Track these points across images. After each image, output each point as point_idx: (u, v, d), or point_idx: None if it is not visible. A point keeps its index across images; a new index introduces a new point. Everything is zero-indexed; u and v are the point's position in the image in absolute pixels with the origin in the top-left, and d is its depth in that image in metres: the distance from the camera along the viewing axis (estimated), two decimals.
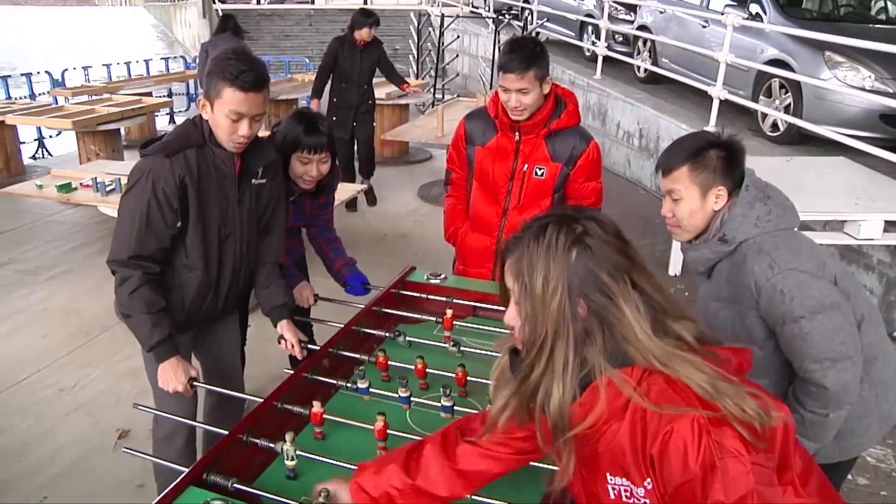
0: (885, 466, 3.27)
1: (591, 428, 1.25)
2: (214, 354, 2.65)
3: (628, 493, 1.26)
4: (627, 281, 1.23)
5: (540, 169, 2.83)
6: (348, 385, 2.10)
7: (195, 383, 2.22)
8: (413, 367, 2.15)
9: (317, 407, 1.89)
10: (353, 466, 1.70)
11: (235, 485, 1.66)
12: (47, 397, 3.69)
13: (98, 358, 4.05)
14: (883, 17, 7.16)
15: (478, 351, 2.32)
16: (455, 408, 1.97)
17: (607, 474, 1.29)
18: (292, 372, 2.12)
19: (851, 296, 1.92)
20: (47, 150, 9.36)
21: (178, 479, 1.62)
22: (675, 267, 5.32)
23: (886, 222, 4.10)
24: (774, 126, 6.26)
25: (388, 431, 1.82)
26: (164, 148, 2.17)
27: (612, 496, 1.29)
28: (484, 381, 2.09)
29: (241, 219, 2.35)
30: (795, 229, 1.98)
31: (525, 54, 2.62)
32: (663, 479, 1.19)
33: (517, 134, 2.81)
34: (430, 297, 2.72)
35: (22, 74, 10.39)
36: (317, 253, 3.09)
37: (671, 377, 1.20)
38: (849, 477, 3.17)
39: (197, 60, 9.13)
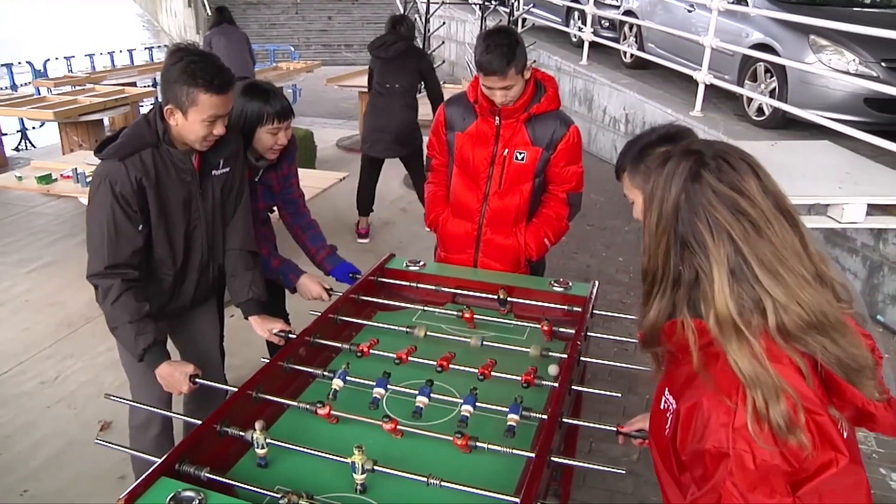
0: (865, 448, 3.29)
1: (669, 352, 1.31)
2: (192, 341, 2.63)
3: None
4: (726, 239, 1.19)
5: (520, 153, 2.82)
6: (325, 374, 2.09)
7: (197, 380, 2.19)
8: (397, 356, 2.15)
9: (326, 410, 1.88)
10: (325, 454, 1.71)
11: (208, 474, 1.64)
12: (29, 390, 3.66)
13: (81, 350, 4.02)
14: (869, 0, 7.14)
15: (455, 338, 2.30)
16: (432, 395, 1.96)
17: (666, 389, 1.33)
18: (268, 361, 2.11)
19: None
20: (30, 142, 9.27)
21: (150, 471, 1.60)
22: None
23: (869, 206, 4.10)
24: (760, 110, 6.26)
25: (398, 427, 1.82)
26: (117, 151, 2.13)
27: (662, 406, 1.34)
28: (462, 368, 2.10)
29: (205, 211, 2.34)
30: None
31: (502, 52, 2.60)
32: (680, 435, 1.23)
33: (497, 118, 2.80)
34: (409, 284, 2.70)
35: (3, 65, 10.26)
36: (294, 240, 3.05)
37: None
38: None
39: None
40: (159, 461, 1.64)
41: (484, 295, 2.59)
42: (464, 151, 2.91)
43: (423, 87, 5.64)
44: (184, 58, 2.08)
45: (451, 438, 1.75)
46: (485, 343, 2.26)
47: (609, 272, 5.16)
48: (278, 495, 1.56)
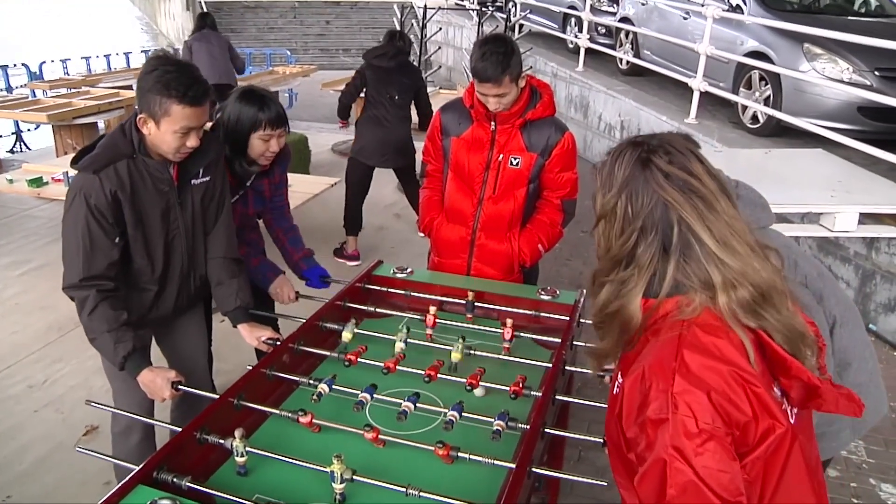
0: (855, 458, 3.28)
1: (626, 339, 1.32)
2: (177, 348, 2.62)
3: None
4: (675, 219, 1.24)
5: (515, 158, 2.83)
6: (311, 382, 2.07)
7: (180, 387, 2.18)
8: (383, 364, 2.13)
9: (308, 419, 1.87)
10: (304, 464, 1.70)
11: (188, 483, 1.63)
12: (16, 394, 3.64)
13: (70, 353, 4.00)
14: (863, 9, 7.16)
15: (443, 347, 2.29)
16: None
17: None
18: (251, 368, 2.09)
19: (824, 298, 1.89)
20: (25, 144, 9.27)
21: (127, 478, 1.59)
22: None
23: (861, 214, 4.11)
24: (754, 118, 6.27)
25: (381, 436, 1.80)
26: (92, 163, 2.11)
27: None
28: (450, 378, 2.09)
29: (184, 221, 2.32)
30: (770, 227, 1.96)
31: (497, 60, 2.62)
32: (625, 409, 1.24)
33: (493, 124, 2.81)
34: (395, 291, 2.70)
35: None
36: (274, 243, 3.05)
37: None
38: None
39: (179, 52, 9.07)
40: (137, 469, 1.63)
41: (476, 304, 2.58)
42: (459, 156, 2.91)
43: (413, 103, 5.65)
44: (159, 67, 2.05)
45: (432, 448, 1.74)
46: (471, 352, 2.24)
47: None
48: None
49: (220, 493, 1.62)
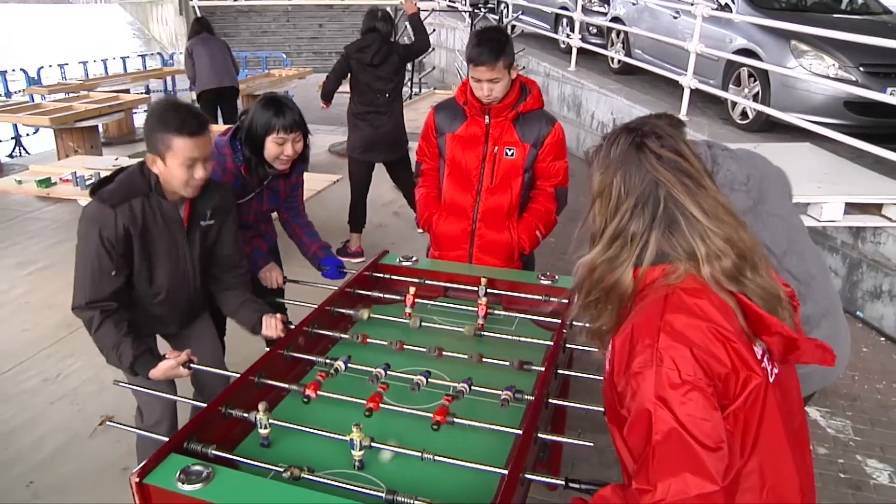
0: (843, 437, 3.41)
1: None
2: (190, 348, 2.71)
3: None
4: (664, 196, 1.37)
5: (510, 150, 2.95)
6: (327, 361, 2.19)
7: (192, 365, 2.29)
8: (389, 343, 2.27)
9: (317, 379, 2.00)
10: (325, 433, 1.81)
11: (214, 451, 1.74)
12: (31, 387, 3.75)
13: (80, 349, 4.09)
14: (849, 7, 7.31)
15: (446, 328, 2.42)
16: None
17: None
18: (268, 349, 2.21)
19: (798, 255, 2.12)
20: (24, 149, 9.35)
21: (160, 447, 1.70)
22: None
23: (847, 204, 4.25)
24: (744, 114, 6.41)
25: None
26: (109, 197, 2.26)
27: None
28: (453, 354, 2.21)
29: (192, 258, 2.47)
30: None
31: (493, 46, 2.77)
32: (617, 367, 1.36)
33: (487, 118, 2.93)
34: (402, 278, 2.82)
35: None
36: (290, 237, 3.17)
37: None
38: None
39: (173, 58, 9.21)
40: (168, 440, 1.74)
41: (473, 288, 2.71)
42: (455, 152, 3.03)
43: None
44: (157, 109, 2.25)
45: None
46: (481, 334, 2.39)
47: None
48: (281, 468, 1.67)
49: (245, 460, 1.74)
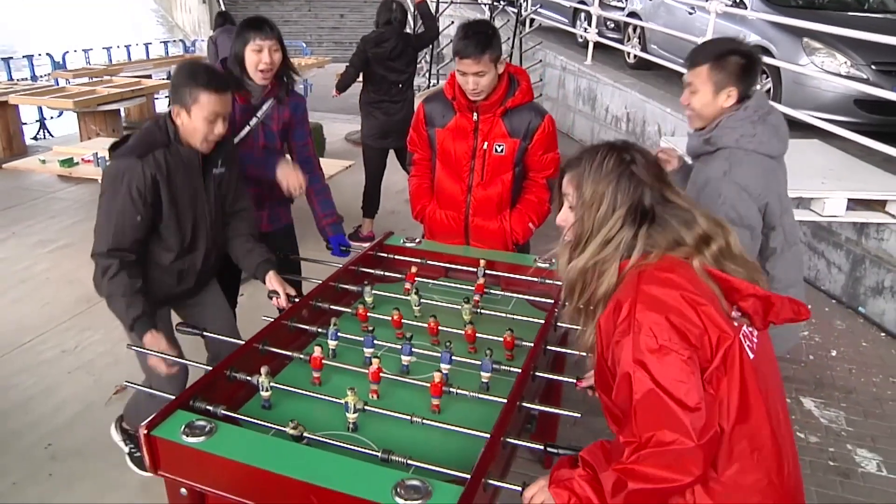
0: (835, 427, 3.48)
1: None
2: (203, 319, 2.83)
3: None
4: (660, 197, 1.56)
5: (499, 145, 2.98)
6: (320, 330, 2.31)
7: (181, 328, 2.44)
8: (390, 319, 2.37)
9: (317, 352, 2.10)
10: (322, 396, 1.93)
11: (221, 411, 1.86)
12: (50, 358, 3.90)
13: (98, 323, 4.25)
14: (864, 5, 7.31)
15: (447, 305, 2.53)
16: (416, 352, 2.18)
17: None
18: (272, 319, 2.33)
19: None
20: (48, 131, 9.55)
21: (167, 404, 1.82)
22: None
23: (850, 200, 4.29)
24: None
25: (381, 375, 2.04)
26: (134, 150, 2.40)
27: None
28: (450, 329, 2.31)
29: (209, 204, 2.60)
30: (770, 156, 2.33)
31: (479, 39, 2.75)
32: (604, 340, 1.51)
33: (475, 114, 2.95)
34: (404, 258, 2.93)
35: (23, 56, 10.56)
36: (307, 201, 3.23)
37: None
38: (801, 435, 3.39)
39: (195, 45, 9.37)
40: (175, 397, 1.87)
41: (472, 269, 2.81)
42: (445, 146, 3.06)
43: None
44: (186, 66, 2.43)
45: (428, 385, 1.97)
46: (479, 311, 2.49)
47: None
48: (283, 427, 1.78)
49: (247, 418, 1.86)
